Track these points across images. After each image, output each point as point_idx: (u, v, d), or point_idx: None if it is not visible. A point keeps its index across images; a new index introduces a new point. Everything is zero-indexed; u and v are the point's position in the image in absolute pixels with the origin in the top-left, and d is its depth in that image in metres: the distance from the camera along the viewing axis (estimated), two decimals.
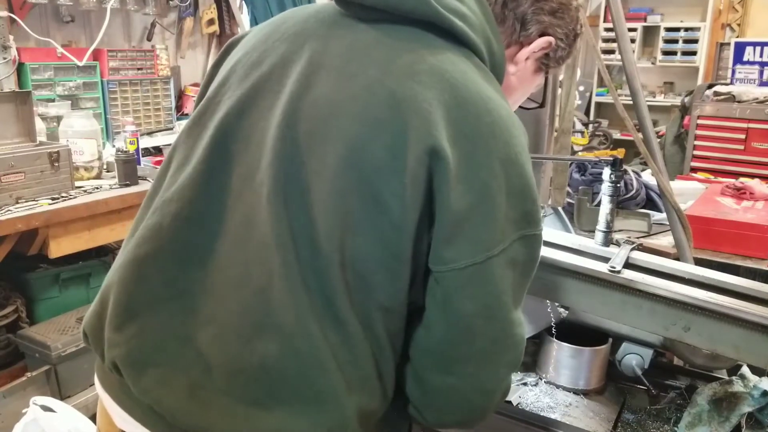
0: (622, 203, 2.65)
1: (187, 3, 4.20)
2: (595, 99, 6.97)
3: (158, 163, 3.40)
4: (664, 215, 2.11)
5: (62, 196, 2.63)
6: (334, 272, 0.83)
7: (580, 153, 5.29)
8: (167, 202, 0.94)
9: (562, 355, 1.52)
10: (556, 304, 1.53)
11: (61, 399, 2.47)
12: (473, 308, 0.84)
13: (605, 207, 1.42)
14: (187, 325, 0.89)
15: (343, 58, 0.90)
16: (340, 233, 0.83)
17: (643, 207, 2.73)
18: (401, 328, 0.90)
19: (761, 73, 5.44)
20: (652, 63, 6.69)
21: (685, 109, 5.28)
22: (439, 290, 0.85)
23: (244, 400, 0.84)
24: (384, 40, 0.89)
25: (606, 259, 1.34)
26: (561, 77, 2.02)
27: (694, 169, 4.83)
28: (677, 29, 6.51)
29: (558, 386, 1.54)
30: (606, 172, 1.41)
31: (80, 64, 3.49)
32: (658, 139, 4.56)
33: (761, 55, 5.45)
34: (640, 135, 1.68)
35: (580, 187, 2.58)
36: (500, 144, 0.84)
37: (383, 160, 0.82)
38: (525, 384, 1.55)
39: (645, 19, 6.64)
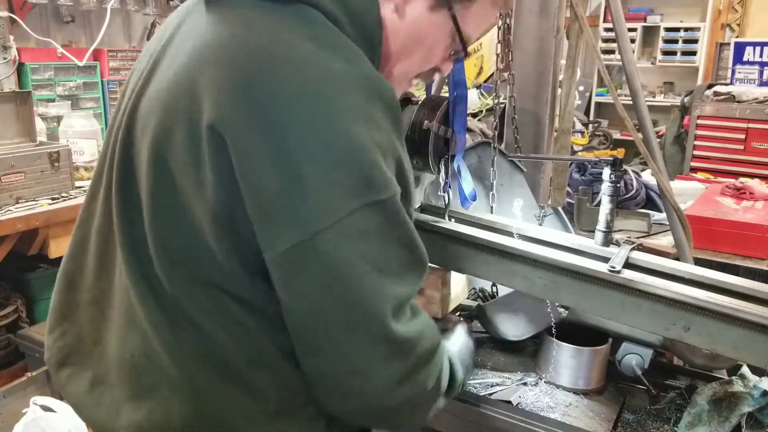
0: (622, 203, 2.66)
1: None
2: (594, 99, 6.98)
3: None
4: (663, 215, 2.11)
5: (62, 196, 2.63)
6: (174, 272, 0.84)
7: (579, 153, 5.30)
8: (89, 217, 1.00)
9: (561, 355, 1.52)
10: (556, 304, 1.53)
11: (61, 399, 2.47)
12: (313, 288, 0.77)
13: (605, 207, 1.42)
14: (99, 328, 0.96)
15: (177, 47, 0.87)
16: (160, 230, 0.84)
17: (643, 207, 2.73)
18: (275, 315, 0.84)
19: (761, 73, 5.44)
20: (652, 63, 6.70)
21: (684, 109, 5.28)
22: (275, 274, 0.79)
23: (127, 393, 0.90)
24: (212, 18, 0.84)
25: (606, 259, 1.34)
26: (561, 77, 2.02)
27: (693, 169, 4.84)
28: (677, 29, 6.52)
29: (558, 386, 1.54)
30: (606, 172, 1.41)
31: (80, 64, 3.49)
32: (658, 139, 4.56)
33: (761, 55, 5.45)
34: (639, 135, 1.68)
35: (580, 187, 2.59)
36: (316, 114, 0.74)
37: (183, 151, 0.79)
38: (525, 384, 1.55)
39: (645, 19, 6.65)
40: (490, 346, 1.76)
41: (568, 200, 2.39)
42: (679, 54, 6.52)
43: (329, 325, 0.80)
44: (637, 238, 2.25)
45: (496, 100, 1.88)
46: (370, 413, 0.89)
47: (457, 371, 1.06)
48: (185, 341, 0.85)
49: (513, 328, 1.65)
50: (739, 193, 2.67)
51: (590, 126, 6.37)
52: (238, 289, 0.83)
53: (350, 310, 0.79)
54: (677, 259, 1.66)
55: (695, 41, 6.41)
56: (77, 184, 2.77)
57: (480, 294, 1.87)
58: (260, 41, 0.78)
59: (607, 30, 6.46)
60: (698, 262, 1.63)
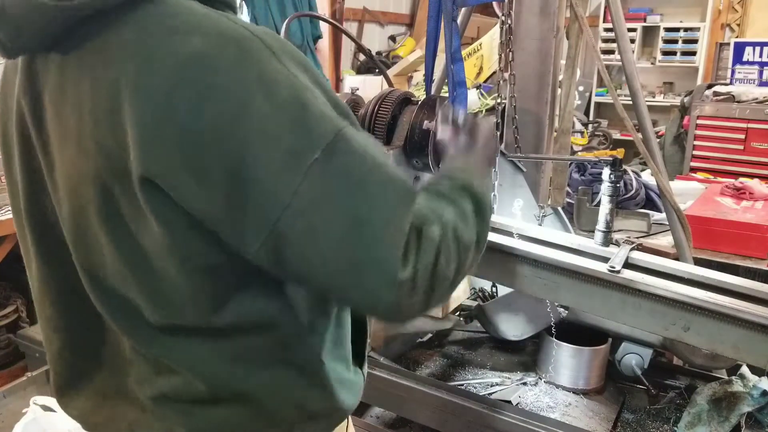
0: (621, 203, 2.66)
1: None
2: (594, 99, 6.97)
3: None
4: (663, 215, 2.11)
5: None
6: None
7: (579, 153, 5.30)
8: None
9: (561, 355, 1.53)
10: (556, 304, 1.53)
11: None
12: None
13: (605, 207, 1.42)
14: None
15: None
16: None
17: (643, 207, 2.73)
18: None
19: (761, 73, 5.44)
20: (652, 63, 6.69)
21: (684, 110, 5.28)
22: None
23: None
24: None
25: (605, 259, 1.34)
26: (561, 77, 2.02)
27: (693, 169, 4.84)
28: (677, 29, 6.52)
29: (558, 386, 1.54)
30: (605, 172, 1.41)
31: None
32: (658, 140, 4.56)
33: (761, 55, 5.45)
34: (639, 135, 1.68)
35: (580, 187, 2.59)
36: (251, 73, 0.71)
37: None
38: (525, 384, 1.55)
39: (644, 20, 6.65)
40: (490, 346, 1.76)
41: (568, 200, 2.38)
42: (678, 54, 6.52)
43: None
44: (637, 238, 2.25)
45: (497, 100, 1.88)
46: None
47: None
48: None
49: (513, 328, 1.65)
50: (739, 193, 2.67)
51: (590, 126, 6.37)
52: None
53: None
54: (677, 259, 1.66)
55: (695, 41, 6.41)
56: None
57: (480, 294, 1.88)
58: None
59: (607, 30, 6.45)
60: (698, 262, 1.63)
